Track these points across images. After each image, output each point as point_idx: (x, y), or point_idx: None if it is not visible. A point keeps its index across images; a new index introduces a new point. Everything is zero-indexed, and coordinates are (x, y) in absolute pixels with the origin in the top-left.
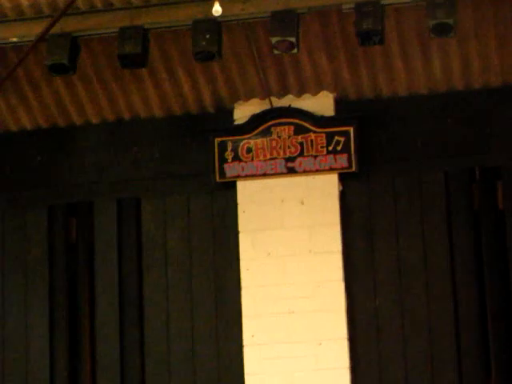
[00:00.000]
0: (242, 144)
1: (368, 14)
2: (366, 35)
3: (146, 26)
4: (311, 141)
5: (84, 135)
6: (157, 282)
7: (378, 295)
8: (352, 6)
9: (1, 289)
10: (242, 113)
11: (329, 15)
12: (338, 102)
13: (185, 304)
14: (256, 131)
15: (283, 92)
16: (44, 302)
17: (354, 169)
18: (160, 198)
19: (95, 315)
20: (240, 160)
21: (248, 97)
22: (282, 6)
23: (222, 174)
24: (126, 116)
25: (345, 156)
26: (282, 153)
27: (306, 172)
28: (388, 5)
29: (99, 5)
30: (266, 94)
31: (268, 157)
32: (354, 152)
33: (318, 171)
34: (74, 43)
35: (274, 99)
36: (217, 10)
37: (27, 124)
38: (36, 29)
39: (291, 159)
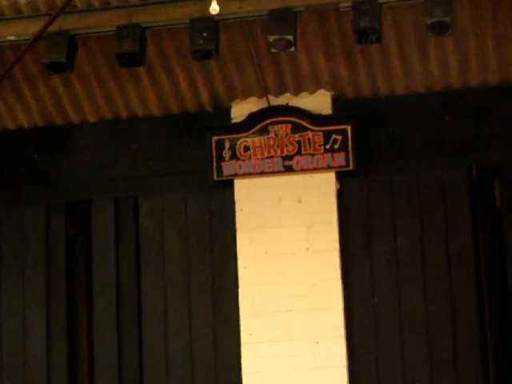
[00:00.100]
0: (239, 142)
1: (365, 12)
2: (364, 33)
3: (143, 25)
4: (309, 139)
5: (82, 134)
6: (154, 280)
7: (376, 294)
8: (349, 4)
9: None
10: (240, 111)
11: (326, 13)
12: (335, 101)
13: (182, 302)
14: (253, 129)
15: (281, 90)
16: (42, 301)
17: (351, 167)
18: (158, 196)
19: (93, 314)
20: (237, 158)
21: (245, 95)
22: (280, 4)
23: (220, 172)
24: (124, 114)
25: (342, 154)
26: (279, 151)
27: (303, 170)
28: (385, 3)
29: (96, 3)
30: (263, 93)
31: (265, 155)
32: (352, 150)
33: (315, 169)
34: (71, 41)
35: (271, 97)
36: (214, 8)
37: (25, 122)
38: (33, 27)
39: (289, 157)
